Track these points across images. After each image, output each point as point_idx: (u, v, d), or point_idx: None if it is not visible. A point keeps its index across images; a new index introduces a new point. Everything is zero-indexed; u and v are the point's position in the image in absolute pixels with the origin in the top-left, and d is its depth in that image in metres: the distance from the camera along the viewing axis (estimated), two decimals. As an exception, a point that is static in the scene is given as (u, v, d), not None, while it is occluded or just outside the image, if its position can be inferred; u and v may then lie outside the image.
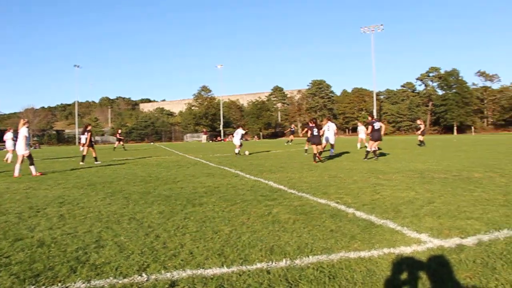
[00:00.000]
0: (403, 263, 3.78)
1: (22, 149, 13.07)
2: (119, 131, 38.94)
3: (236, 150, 21.49)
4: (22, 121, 13.65)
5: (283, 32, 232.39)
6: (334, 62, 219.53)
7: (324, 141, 18.53)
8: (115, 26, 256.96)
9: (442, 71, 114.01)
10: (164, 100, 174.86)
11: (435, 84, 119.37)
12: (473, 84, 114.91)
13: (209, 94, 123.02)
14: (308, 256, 4.05)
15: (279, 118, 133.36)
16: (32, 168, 13.28)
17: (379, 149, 16.89)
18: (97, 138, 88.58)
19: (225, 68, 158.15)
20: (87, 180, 11.20)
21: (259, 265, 3.84)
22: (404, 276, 3.51)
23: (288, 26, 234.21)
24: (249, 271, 3.71)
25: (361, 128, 26.99)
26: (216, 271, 3.72)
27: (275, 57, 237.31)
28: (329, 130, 19.43)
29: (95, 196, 8.32)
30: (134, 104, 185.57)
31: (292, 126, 43.81)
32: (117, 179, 11.36)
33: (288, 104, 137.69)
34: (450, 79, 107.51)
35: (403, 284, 3.38)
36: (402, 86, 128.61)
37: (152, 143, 75.90)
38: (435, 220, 5.38)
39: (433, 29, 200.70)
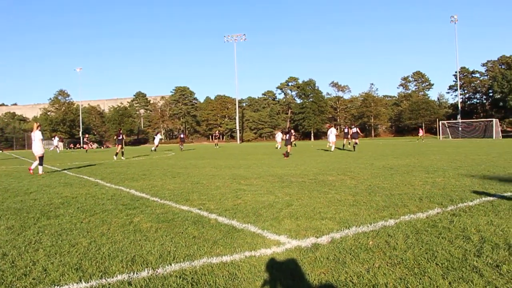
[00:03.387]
0: (263, 265, 3.93)
1: (39, 150, 15.03)
2: None
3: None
4: (36, 125, 15.55)
5: (147, 37, 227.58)
6: (197, 69, 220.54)
7: (330, 140, 28.50)
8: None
9: (300, 81, 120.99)
10: (15, 104, 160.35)
11: (294, 93, 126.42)
12: (327, 93, 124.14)
13: (67, 98, 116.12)
14: (171, 264, 4.01)
15: (142, 125, 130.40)
16: (40, 168, 14.96)
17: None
18: None
19: (84, 72, 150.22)
20: None
21: (120, 277, 3.72)
22: (264, 277, 3.64)
23: (151, 31, 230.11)
24: (109, 284, 3.56)
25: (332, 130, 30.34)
26: (73, 287, 3.52)
27: (138, 63, 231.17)
28: (331, 133, 28.65)
29: None
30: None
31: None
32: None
33: (151, 111, 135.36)
34: (307, 89, 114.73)
35: (264, 285, 3.49)
36: (263, 94, 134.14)
37: (0, 151, 69.16)
38: (293, 222, 5.67)
39: (292, 41, 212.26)
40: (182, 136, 44.63)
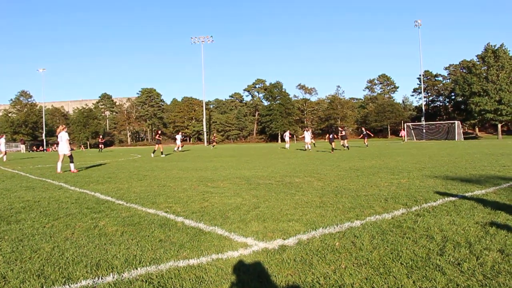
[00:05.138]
0: (230, 268, 3.91)
1: (66, 150, 16.21)
2: None
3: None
4: (61, 127, 16.71)
5: (113, 38, 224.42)
6: (164, 70, 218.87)
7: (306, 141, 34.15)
8: None
9: (267, 83, 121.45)
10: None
11: (261, 95, 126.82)
12: (295, 96, 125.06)
13: (29, 100, 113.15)
14: (136, 268, 3.95)
15: (108, 127, 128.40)
16: (71, 165, 15.92)
17: None
18: None
19: (48, 73, 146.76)
20: None
21: (84, 283, 3.63)
22: (231, 280, 3.62)
23: (116, 32, 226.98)
24: (72, 289, 3.49)
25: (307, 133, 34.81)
26: (35, 293, 3.42)
27: (103, 64, 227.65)
28: (307, 135, 34.21)
29: None
30: None
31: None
32: None
33: (117, 112, 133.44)
34: (274, 91, 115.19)
35: (230, 288, 3.50)
36: (231, 96, 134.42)
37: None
38: (260, 224, 5.67)
39: (260, 43, 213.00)
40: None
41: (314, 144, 40.99)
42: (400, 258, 4.02)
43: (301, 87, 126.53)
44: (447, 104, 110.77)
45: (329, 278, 3.56)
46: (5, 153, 29.19)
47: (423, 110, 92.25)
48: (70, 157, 16.12)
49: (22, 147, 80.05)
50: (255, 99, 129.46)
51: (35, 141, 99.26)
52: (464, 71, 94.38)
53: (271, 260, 4.11)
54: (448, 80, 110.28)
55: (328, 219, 5.84)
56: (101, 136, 52.69)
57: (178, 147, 39.24)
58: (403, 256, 4.08)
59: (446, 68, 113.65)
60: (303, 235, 4.98)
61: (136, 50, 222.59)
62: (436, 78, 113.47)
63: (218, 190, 9.36)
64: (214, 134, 67.01)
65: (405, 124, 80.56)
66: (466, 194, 7.64)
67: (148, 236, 5.18)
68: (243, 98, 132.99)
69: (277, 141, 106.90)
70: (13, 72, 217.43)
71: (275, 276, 3.68)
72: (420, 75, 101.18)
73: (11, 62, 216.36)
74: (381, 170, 13.10)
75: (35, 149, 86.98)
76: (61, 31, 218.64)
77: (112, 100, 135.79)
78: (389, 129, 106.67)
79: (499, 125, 77.44)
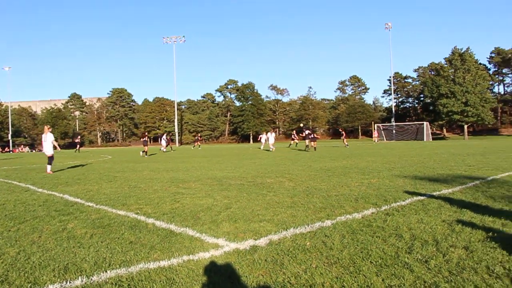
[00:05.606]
0: (202, 269, 3.90)
1: (48, 151, 16.46)
2: None
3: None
4: (47, 128, 17.18)
5: (82, 37, 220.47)
6: (135, 71, 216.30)
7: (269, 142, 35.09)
8: None
9: (239, 84, 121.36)
10: None
11: (233, 95, 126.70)
12: (267, 97, 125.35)
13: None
14: (106, 271, 3.90)
15: (77, 127, 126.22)
16: (48, 166, 16.19)
17: None
18: None
19: (14, 71, 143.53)
20: None
21: (51, 287, 3.56)
22: (202, 281, 3.61)
23: (85, 31, 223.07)
24: (39, 294, 3.41)
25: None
26: (-1, 299, 3.33)
27: (73, 63, 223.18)
28: (271, 136, 35.57)
29: None
30: None
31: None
32: None
33: (87, 113, 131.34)
34: (246, 92, 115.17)
35: (201, 289, 3.48)
36: (203, 96, 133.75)
37: None
38: (231, 225, 5.67)
39: (232, 44, 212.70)
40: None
41: (296, 144, 41.72)
42: (369, 256, 4.08)
43: (273, 87, 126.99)
44: (416, 105, 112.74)
45: (300, 278, 3.59)
46: None
47: (393, 111, 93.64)
48: (50, 158, 16.38)
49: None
50: (227, 99, 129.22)
51: (0, 141, 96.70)
52: (432, 73, 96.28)
53: (242, 260, 4.11)
54: (417, 82, 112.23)
55: (299, 219, 5.88)
56: (79, 137, 52.20)
57: (164, 148, 39.63)
58: (373, 254, 4.14)
59: (415, 70, 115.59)
60: (274, 235, 4.99)
61: (107, 49, 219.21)
62: (406, 80, 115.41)
63: (189, 191, 9.31)
64: (199, 134, 68.03)
65: (375, 125, 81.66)
66: (434, 193, 7.80)
67: (118, 238, 5.12)
68: (215, 99, 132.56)
69: (249, 142, 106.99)
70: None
71: (246, 276, 3.68)
72: (390, 77, 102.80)
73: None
74: (351, 170, 13.25)
75: (1, 150, 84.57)
76: (28, 30, 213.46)
77: (82, 100, 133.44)
78: (360, 130, 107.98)
79: (465, 126, 79.28)
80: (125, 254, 4.44)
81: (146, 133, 33.62)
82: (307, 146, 32.48)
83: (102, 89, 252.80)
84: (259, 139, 40.67)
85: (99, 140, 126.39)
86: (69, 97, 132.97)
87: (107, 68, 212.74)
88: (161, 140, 42.54)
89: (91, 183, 11.65)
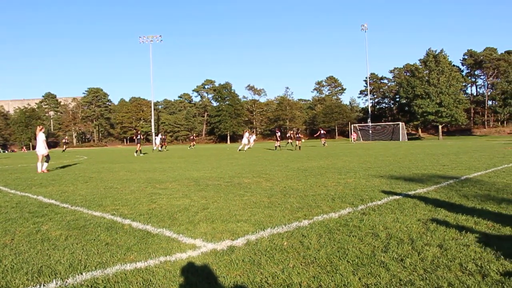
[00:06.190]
0: (179, 270, 3.87)
1: (42, 150, 16.62)
2: None
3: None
4: (39, 128, 17.28)
5: (57, 36, 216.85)
6: (111, 70, 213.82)
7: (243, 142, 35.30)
8: None
9: (216, 84, 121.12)
10: None
11: (210, 96, 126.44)
12: (244, 97, 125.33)
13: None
14: (81, 273, 3.83)
15: (52, 127, 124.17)
16: (45, 164, 16.61)
17: None
18: None
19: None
20: None
21: (24, 290, 3.50)
22: (179, 282, 3.58)
23: (60, 31, 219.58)
24: (12, 298, 3.34)
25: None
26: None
27: (47, 62, 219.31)
28: (245, 137, 35.92)
29: None
30: None
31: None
32: None
33: (61, 113, 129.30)
34: (223, 92, 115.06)
35: (179, 291, 3.46)
36: (180, 97, 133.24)
37: None
38: (209, 225, 5.64)
39: (209, 44, 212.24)
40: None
41: (286, 144, 42.23)
42: (346, 256, 4.11)
43: (250, 88, 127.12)
44: (392, 106, 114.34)
45: (277, 278, 3.59)
46: None
47: (369, 112, 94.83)
48: (47, 157, 16.82)
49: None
50: (204, 99, 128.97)
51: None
52: (407, 74, 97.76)
53: (219, 261, 4.10)
54: (393, 83, 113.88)
55: (276, 219, 5.89)
56: (66, 137, 51.77)
57: (158, 147, 40.03)
58: (349, 254, 4.17)
59: (391, 71, 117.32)
60: (251, 236, 4.99)
61: (82, 48, 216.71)
62: (382, 81, 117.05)
63: (166, 191, 9.25)
64: (194, 134, 69.25)
65: (352, 126, 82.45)
66: (409, 193, 7.91)
67: (94, 239, 5.05)
68: (192, 99, 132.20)
69: (227, 142, 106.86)
70: None
71: (224, 277, 3.67)
72: (366, 78, 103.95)
73: None
74: (328, 170, 13.34)
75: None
76: (0, 29, 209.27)
77: (57, 100, 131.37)
78: (336, 130, 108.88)
79: (440, 127, 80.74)
80: (101, 255, 4.38)
81: (139, 132, 33.38)
82: (289, 143, 34.38)
83: (78, 89, 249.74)
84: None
85: (75, 140, 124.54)
86: (43, 96, 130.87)
87: (82, 68, 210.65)
88: (155, 139, 43.22)
89: (66, 184, 11.47)
